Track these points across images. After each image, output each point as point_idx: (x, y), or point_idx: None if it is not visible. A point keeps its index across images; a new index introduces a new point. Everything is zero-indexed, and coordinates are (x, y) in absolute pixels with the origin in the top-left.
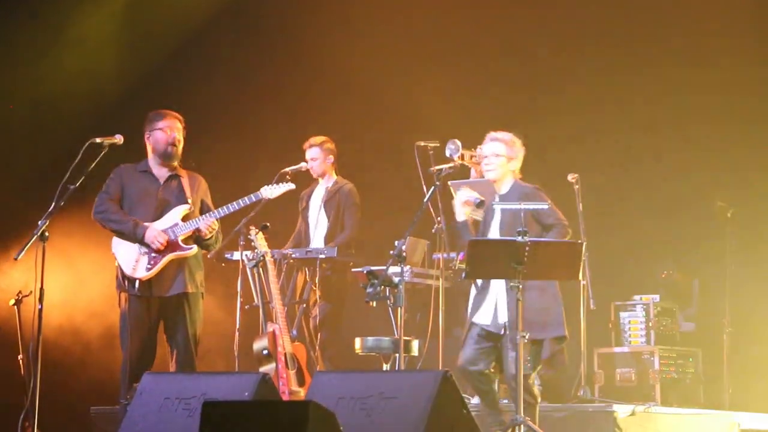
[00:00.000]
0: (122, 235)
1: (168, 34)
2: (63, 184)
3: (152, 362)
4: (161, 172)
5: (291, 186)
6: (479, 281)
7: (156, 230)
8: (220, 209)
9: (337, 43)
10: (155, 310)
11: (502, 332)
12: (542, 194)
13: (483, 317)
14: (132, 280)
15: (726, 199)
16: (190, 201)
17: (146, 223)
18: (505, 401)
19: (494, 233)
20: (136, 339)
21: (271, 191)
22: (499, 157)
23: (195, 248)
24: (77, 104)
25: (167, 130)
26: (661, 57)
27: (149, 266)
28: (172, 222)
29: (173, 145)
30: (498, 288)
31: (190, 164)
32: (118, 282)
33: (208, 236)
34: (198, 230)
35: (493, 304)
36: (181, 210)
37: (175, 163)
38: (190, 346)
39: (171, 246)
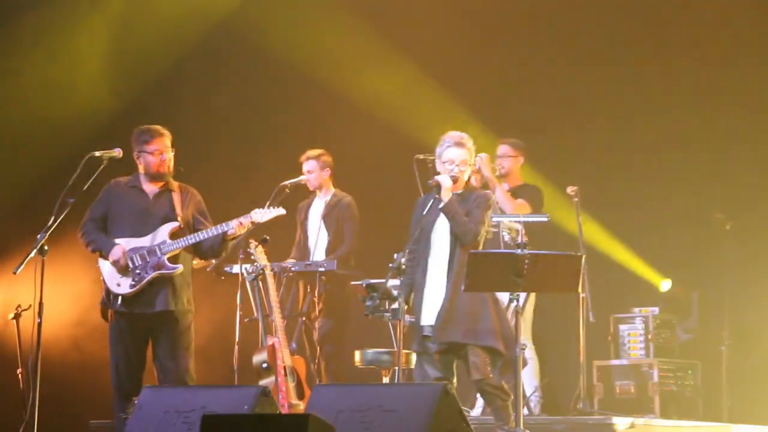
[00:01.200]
0: (100, 253)
1: (164, 49)
2: (62, 198)
3: (139, 378)
4: (151, 188)
5: (281, 211)
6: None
7: (121, 249)
8: (209, 230)
9: (336, 56)
10: (141, 327)
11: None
12: (488, 201)
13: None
14: (116, 296)
15: (724, 211)
16: (179, 218)
17: (117, 240)
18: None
19: (443, 229)
20: (120, 354)
21: (261, 215)
22: (465, 164)
23: (180, 267)
24: (74, 119)
25: (156, 154)
26: (661, 70)
27: (133, 283)
28: (160, 239)
29: (164, 166)
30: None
31: (179, 170)
32: (102, 298)
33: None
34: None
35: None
36: (168, 228)
37: (167, 179)
38: (170, 364)
39: (157, 264)
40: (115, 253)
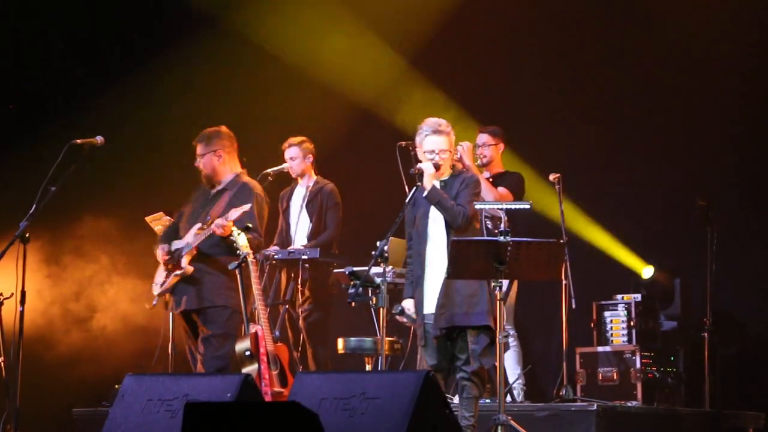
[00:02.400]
0: None
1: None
2: (44, 186)
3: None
4: (209, 189)
5: (245, 207)
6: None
7: (161, 249)
8: (195, 237)
9: (316, 42)
10: (179, 324)
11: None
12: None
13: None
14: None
15: (706, 198)
16: (209, 218)
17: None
18: (488, 401)
19: (438, 218)
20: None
21: (235, 213)
22: (447, 152)
23: (188, 268)
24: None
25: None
26: (641, 54)
27: (162, 283)
28: (186, 241)
29: (204, 172)
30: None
31: (243, 161)
32: None
33: (227, 237)
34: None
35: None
36: (194, 229)
37: (217, 180)
38: (199, 359)
39: (176, 265)
40: (157, 252)
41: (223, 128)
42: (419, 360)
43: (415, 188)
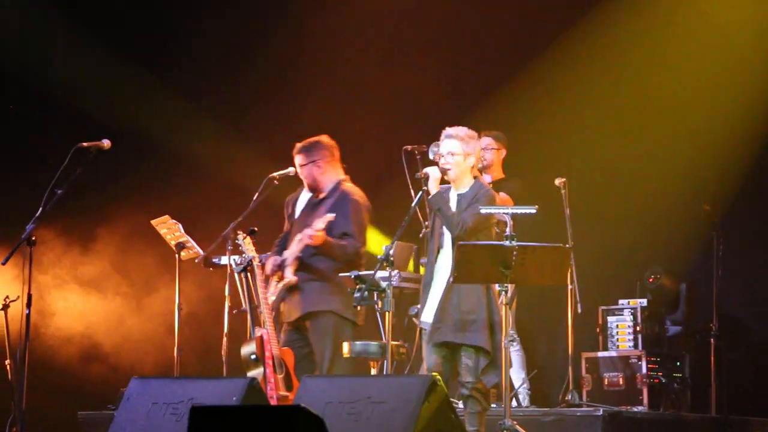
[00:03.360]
0: None
1: None
2: (50, 189)
3: None
4: (310, 197)
5: (329, 217)
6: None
7: (269, 260)
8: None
9: (321, 49)
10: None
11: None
12: (490, 197)
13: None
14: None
15: (712, 202)
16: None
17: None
18: (494, 406)
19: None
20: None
21: (321, 223)
22: (455, 155)
23: (293, 278)
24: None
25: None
26: (647, 56)
27: (274, 293)
28: (290, 252)
29: (305, 183)
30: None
31: (344, 167)
32: None
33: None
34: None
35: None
36: (296, 239)
37: (320, 189)
38: (309, 368)
39: (282, 276)
40: (266, 265)
41: (323, 138)
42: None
43: (420, 192)
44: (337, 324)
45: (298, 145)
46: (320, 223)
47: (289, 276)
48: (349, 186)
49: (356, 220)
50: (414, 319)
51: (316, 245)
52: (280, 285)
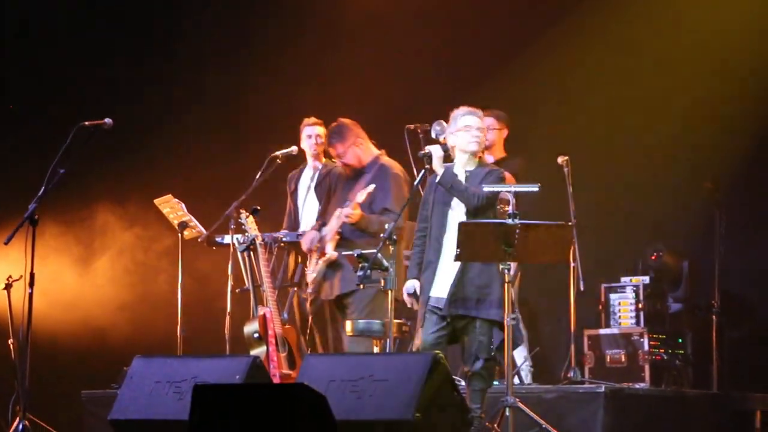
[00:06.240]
0: None
1: None
2: (52, 168)
3: None
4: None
5: (370, 188)
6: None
7: (305, 236)
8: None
9: (322, 28)
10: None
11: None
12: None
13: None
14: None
15: (714, 180)
16: (347, 203)
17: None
18: (497, 383)
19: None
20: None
21: (361, 196)
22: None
23: (333, 254)
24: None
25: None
26: (650, 35)
27: (313, 270)
28: (329, 228)
29: (349, 169)
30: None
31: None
32: None
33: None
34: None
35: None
36: (336, 214)
37: (362, 167)
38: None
39: (321, 252)
40: (303, 242)
41: (344, 120)
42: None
43: (423, 171)
44: (376, 297)
45: (328, 135)
46: (360, 196)
47: (330, 252)
48: (387, 160)
49: (397, 194)
50: (406, 299)
51: (353, 223)
52: (321, 261)
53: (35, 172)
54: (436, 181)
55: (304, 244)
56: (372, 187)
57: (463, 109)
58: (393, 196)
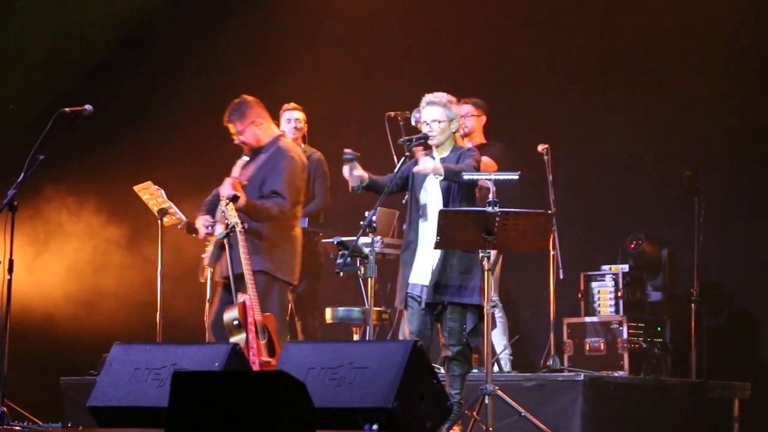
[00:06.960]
0: None
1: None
2: (32, 154)
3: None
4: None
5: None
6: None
7: (199, 219)
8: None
9: (302, 15)
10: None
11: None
12: (476, 154)
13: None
14: None
15: (693, 168)
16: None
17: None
18: (476, 371)
19: (433, 188)
20: None
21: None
22: (441, 122)
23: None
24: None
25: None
26: (628, 21)
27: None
28: (219, 209)
29: (246, 148)
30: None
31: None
32: None
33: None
34: None
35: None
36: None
37: (261, 147)
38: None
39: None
40: (197, 223)
41: (247, 97)
42: (401, 326)
43: (403, 158)
44: (268, 284)
45: (227, 113)
46: (226, 189)
47: (218, 232)
48: (287, 142)
49: (290, 179)
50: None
51: (239, 207)
52: (212, 244)
53: (14, 158)
54: (437, 177)
55: (201, 231)
56: (246, 181)
57: (422, 102)
58: (285, 179)
